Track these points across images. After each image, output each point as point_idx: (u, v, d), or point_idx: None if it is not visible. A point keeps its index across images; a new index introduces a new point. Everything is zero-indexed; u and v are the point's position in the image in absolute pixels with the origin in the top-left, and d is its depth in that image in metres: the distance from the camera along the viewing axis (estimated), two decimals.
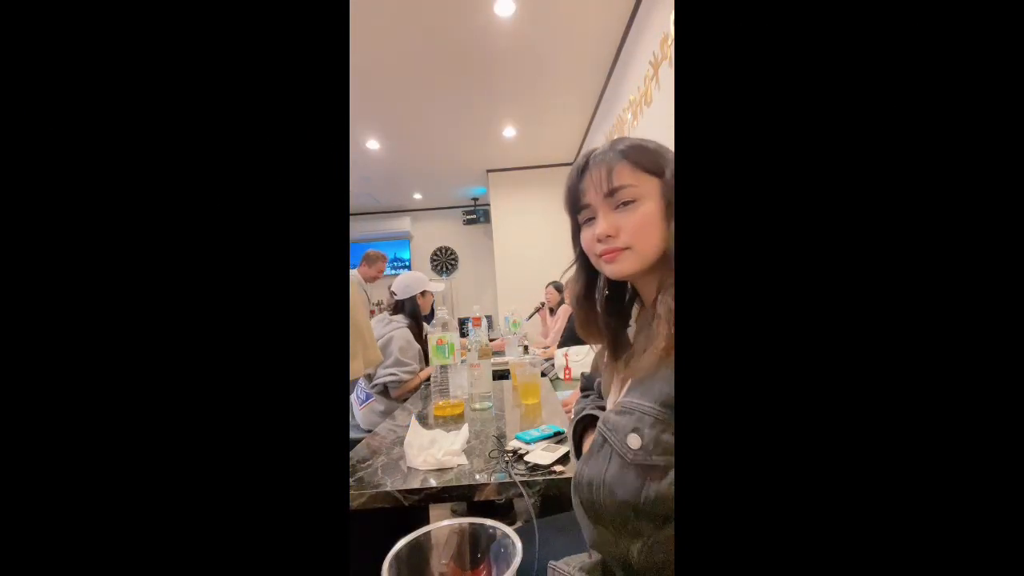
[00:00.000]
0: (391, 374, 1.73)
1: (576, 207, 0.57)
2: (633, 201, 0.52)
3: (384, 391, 1.77)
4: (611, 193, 0.53)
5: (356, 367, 1.31)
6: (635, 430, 0.47)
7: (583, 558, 0.55)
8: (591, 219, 0.56)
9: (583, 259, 0.60)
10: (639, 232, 0.52)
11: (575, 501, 0.54)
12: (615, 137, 0.57)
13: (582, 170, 0.56)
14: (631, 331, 0.62)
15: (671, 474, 0.44)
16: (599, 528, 0.51)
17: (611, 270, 0.54)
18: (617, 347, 0.60)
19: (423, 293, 1.96)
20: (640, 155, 0.53)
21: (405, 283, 1.91)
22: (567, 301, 0.70)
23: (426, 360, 1.84)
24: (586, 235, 0.57)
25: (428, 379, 1.77)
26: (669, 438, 0.45)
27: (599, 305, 0.61)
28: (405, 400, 1.70)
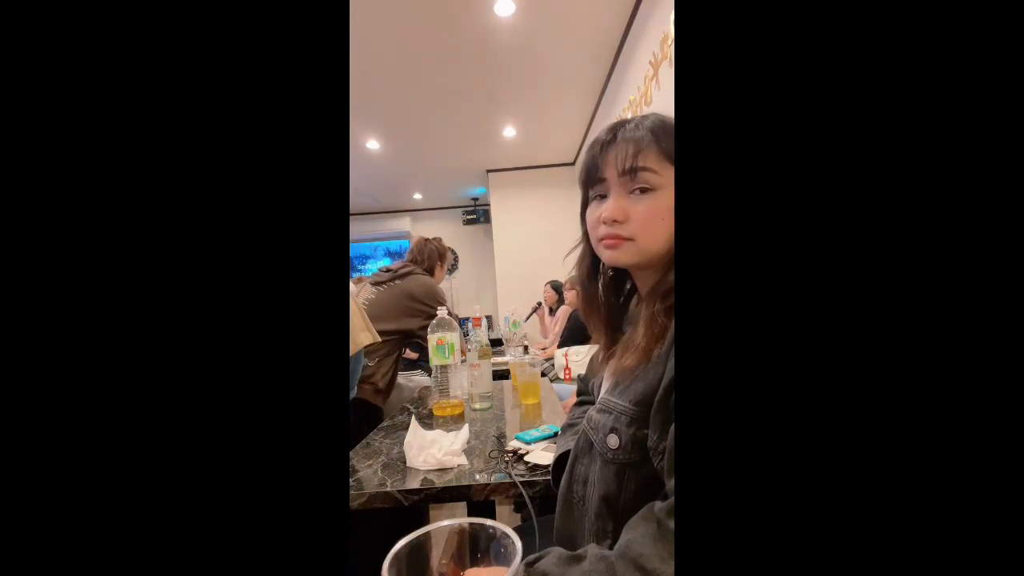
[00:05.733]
0: None
1: (591, 179, 0.53)
2: (651, 189, 0.48)
3: None
4: (630, 173, 0.49)
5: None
6: (613, 430, 0.48)
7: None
8: (602, 196, 0.52)
9: (588, 238, 0.57)
10: (647, 224, 0.48)
11: (565, 498, 0.54)
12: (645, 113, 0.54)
13: (607, 143, 0.51)
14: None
15: (647, 466, 0.46)
16: (577, 523, 0.52)
17: (609, 257, 0.51)
18: (612, 332, 0.59)
19: None
20: (671, 139, 0.48)
21: None
22: (573, 282, 0.69)
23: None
24: (592, 214, 0.53)
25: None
26: (642, 434, 0.46)
27: (601, 286, 0.59)
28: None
